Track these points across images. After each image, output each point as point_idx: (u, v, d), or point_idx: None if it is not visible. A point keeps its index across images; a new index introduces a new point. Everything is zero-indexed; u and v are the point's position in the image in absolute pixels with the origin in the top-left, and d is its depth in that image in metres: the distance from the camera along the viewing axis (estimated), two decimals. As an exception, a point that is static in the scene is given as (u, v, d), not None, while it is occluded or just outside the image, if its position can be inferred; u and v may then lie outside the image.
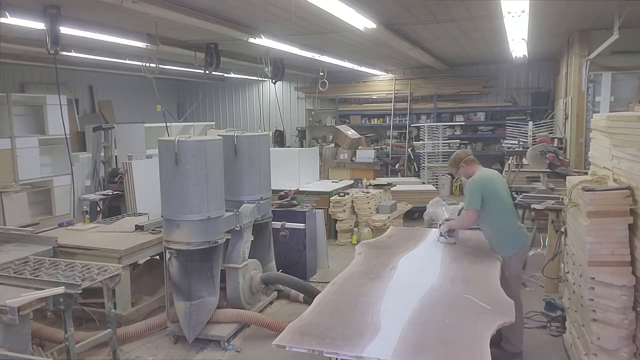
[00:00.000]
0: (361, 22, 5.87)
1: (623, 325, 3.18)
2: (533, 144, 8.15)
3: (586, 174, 4.50)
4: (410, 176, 12.04)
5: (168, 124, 7.81)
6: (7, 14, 5.20)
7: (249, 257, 4.99)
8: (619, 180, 3.46)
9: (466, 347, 2.51)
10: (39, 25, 5.62)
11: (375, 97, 13.39)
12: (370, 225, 7.73)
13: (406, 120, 12.98)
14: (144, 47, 7.26)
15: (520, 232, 4.14)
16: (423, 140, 11.97)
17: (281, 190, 6.58)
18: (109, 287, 3.84)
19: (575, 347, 3.78)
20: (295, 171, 8.18)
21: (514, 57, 8.99)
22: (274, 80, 10.50)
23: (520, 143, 9.17)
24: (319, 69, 10.69)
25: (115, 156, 8.12)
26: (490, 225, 4.09)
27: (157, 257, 5.39)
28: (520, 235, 4.13)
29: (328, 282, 3.59)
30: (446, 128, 12.34)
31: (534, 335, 4.46)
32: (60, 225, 5.57)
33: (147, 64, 7.00)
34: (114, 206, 6.83)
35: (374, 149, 11.93)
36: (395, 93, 13.00)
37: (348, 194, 7.99)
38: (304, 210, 6.16)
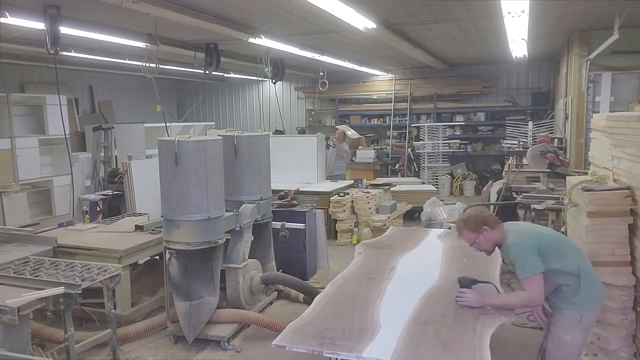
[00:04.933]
0: (361, 22, 5.87)
1: (623, 325, 3.19)
2: (533, 144, 8.14)
3: (586, 174, 4.50)
4: (410, 176, 12.04)
5: (168, 124, 7.81)
6: (7, 14, 5.20)
7: (249, 257, 4.99)
8: (619, 180, 3.47)
9: (466, 347, 2.51)
10: (39, 25, 5.62)
11: (375, 97, 13.39)
12: (370, 225, 7.73)
13: (406, 120, 12.98)
14: (144, 47, 7.25)
15: (600, 283, 3.05)
16: (423, 140, 11.97)
17: (281, 191, 6.58)
18: (109, 287, 3.84)
19: (575, 347, 3.77)
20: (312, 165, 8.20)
21: (514, 57, 9.00)
22: (274, 80, 10.50)
23: (520, 143, 9.15)
24: (319, 69, 10.68)
25: (115, 156, 8.12)
26: (572, 277, 2.95)
27: (157, 257, 5.39)
28: (601, 287, 3.04)
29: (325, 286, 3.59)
30: (446, 128, 12.34)
31: (534, 335, 4.45)
32: (60, 225, 5.57)
33: (147, 64, 6.99)
34: (114, 206, 6.83)
35: (374, 149, 11.93)
36: (395, 93, 13.00)
37: (348, 194, 8.00)
38: (304, 210, 6.16)
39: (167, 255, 4.43)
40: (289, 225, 5.95)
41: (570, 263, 2.94)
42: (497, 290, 3.12)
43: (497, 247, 3.13)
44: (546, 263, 2.88)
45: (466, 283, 3.05)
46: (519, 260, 2.92)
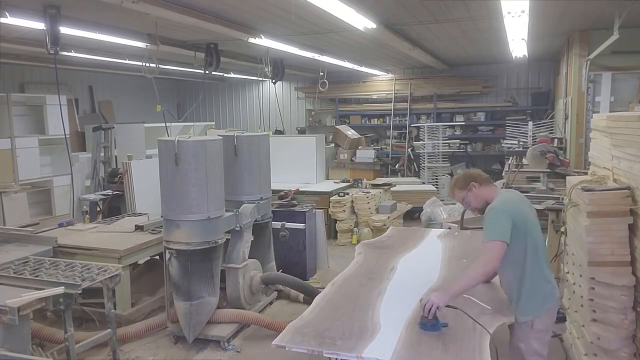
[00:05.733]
0: (361, 22, 5.87)
1: (623, 325, 3.18)
2: (533, 144, 8.15)
3: (586, 174, 4.49)
4: (410, 176, 12.04)
5: (168, 124, 7.82)
6: (7, 14, 5.19)
7: (249, 257, 4.99)
8: (619, 180, 3.46)
9: (466, 347, 2.51)
10: (39, 25, 5.62)
11: (375, 97, 13.39)
12: (370, 225, 7.73)
13: (406, 120, 12.98)
14: (144, 47, 7.25)
15: (551, 284, 2.97)
16: (423, 140, 11.97)
17: (281, 191, 6.58)
18: (109, 287, 3.84)
19: (575, 347, 3.78)
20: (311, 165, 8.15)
21: (514, 57, 8.99)
22: (274, 80, 10.50)
23: (520, 143, 9.15)
24: (319, 69, 10.68)
25: (115, 156, 8.12)
26: (515, 271, 2.91)
27: (157, 257, 5.40)
28: (552, 288, 2.96)
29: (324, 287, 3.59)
30: (446, 128, 12.33)
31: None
32: (60, 225, 5.58)
33: (147, 64, 7.00)
34: (114, 206, 6.83)
35: (374, 149, 11.93)
36: (395, 93, 12.99)
37: (348, 194, 8.00)
38: (304, 210, 6.16)
39: (167, 255, 4.43)
40: (289, 225, 5.96)
41: (523, 256, 2.84)
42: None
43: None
44: (516, 245, 2.79)
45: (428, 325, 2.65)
46: (489, 223, 2.84)
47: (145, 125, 10.24)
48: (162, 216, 4.50)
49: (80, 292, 3.54)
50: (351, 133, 11.24)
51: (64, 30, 5.86)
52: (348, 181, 8.96)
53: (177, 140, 4.20)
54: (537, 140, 8.59)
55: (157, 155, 4.79)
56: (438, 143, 11.92)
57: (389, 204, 8.09)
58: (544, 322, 2.89)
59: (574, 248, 3.86)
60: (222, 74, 12.45)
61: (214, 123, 13.64)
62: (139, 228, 5.33)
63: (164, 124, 7.74)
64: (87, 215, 6.58)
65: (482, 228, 3.05)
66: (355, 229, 7.84)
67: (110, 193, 6.78)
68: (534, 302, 2.86)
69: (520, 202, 3.04)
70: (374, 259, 3.99)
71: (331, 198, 7.78)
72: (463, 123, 12.52)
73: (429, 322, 2.63)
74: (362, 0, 5.32)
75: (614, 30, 6.15)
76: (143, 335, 4.59)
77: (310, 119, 14.15)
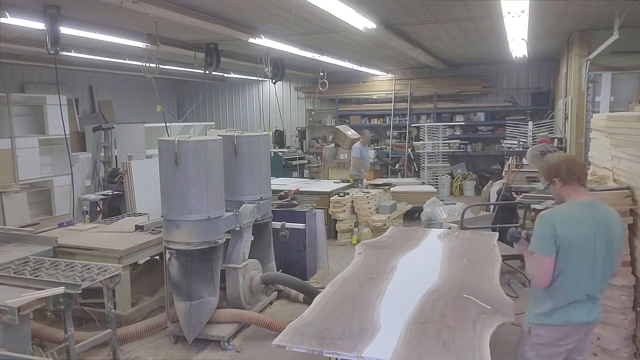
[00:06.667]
0: (361, 22, 5.87)
1: (623, 325, 3.19)
2: (533, 144, 8.15)
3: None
4: (410, 176, 12.05)
5: (168, 124, 7.81)
6: (7, 14, 5.20)
7: (249, 257, 4.99)
8: (619, 180, 3.47)
9: (466, 347, 2.51)
10: (39, 25, 5.62)
11: (375, 97, 13.39)
12: (370, 225, 7.74)
13: (406, 120, 12.98)
14: (144, 47, 7.26)
15: (560, 307, 2.66)
16: (423, 140, 11.97)
17: (281, 191, 6.58)
18: (109, 287, 3.84)
19: (575, 347, 3.78)
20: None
21: (514, 57, 8.99)
22: (274, 80, 10.50)
23: (520, 143, 9.16)
24: (319, 69, 10.69)
25: (115, 156, 8.12)
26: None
27: (157, 257, 5.39)
28: (561, 311, 2.66)
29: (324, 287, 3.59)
30: (446, 128, 12.34)
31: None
32: (60, 225, 5.58)
33: (147, 64, 7.00)
34: (114, 206, 6.83)
35: (374, 149, 11.93)
36: (395, 93, 13.00)
37: (348, 194, 8.00)
38: (304, 210, 6.16)
39: (167, 255, 4.43)
40: (289, 225, 5.95)
41: (571, 274, 2.62)
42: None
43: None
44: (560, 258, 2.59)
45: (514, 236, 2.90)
46: (534, 231, 2.69)
47: (145, 125, 10.24)
48: (162, 216, 4.50)
49: (80, 292, 3.54)
50: (351, 133, 11.24)
51: (64, 30, 5.87)
52: (348, 181, 8.97)
53: (177, 140, 4.20)
54: (537, 140, 8.59)
55: (157, 155, 4.79)
56: (438, 143, 11.93)
57: (389, 204, 8.09)
58: (543, 337, 2.69)
59: (574, 248, 3.85)
60: (222, 74, 12.45)
61: (214, 123, 13.65)
62: (139, 228, 5.32)
63: (164, 124, 7.74)
64: (87, 215, 6.58)
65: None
66: (355, 229, 7.84)
67: (110, 193, 6.78)
68: (531, 310, 2.78)
69: (581, 220, 2.64)
70: (374, 259, 3.99)
71: (331, 198, 7.78)
72: (463, 123, 12.53)
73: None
74: (362, 0, 5.32)
75: (614, 30, 6.15)
76: (143, 335, 4.59)
77: (310, 119, 14.16)
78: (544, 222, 2.65)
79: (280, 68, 10.50)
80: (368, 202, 7.90)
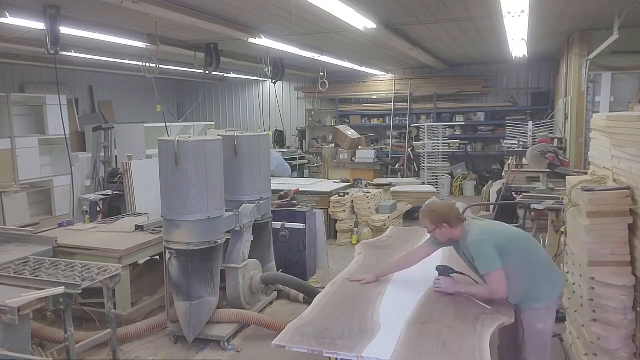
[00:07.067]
0: (361, 22, 5.87)
1: (623, 325, 3.18)
2: (533, 144, 8.14)
3: (586, 174, 4.49)
4: (410, 176, 12.04)
5: (168, 124, 7.81)
6: (7, 14, 5.20)
7: (249, 257, 4.99)
8: (619, 180, 3.46)
9: (466, 347, 2.51)
10: (39, 25, 5.62)
11: (375, 97, 13.39)
12: (370, 225, 7.73)
13: (406, 120, 12.98)
14: (144, 47, 7.26)
15: (552, 266, 3.41)
16: (423, 140, 11.97)
17: (281, 191, 6.58)
18: (109, 287, 3.84)
19: (575, 347, 3.78)
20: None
21: (514, 57, 8.99)
22: (274, 80, 10.50)
23: (520, 143, 9.15)
24: (319, 69, 10.69)
25: (115, 156, 8.12)
26: (522, 276, 3.11)
27: (157, 257, 5.39)
28: (558, 271, 3.43)
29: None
30: (446, 128, 12.34)
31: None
32: (60, 225, 5.57)
33: (147, 64, 7.00)
34: (114, 206, 6.83)
35: (374, 149, 11.93)
36: (395, 93, 13.00)
37: (348, 194, 7.99)
38: (304, 210, 6.16)
39: (167, 255, 4.43)
40: (289, 225, 5.95)
41: (530, 256, 3.17)
42: (473, 280, 3.28)
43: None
44: (509, 258, 3.03)
45: (444, 272, 3.29)
46: (479, 257, 3.08)
47: (145, 125, 10.24)
48: (162, 216, 4.50)
49: (80, 292, 3.54)
50: (351, 133, 11.24)
51: (64, 30, 5.87)
52: (348, 181, 8.97)
53: (177, 140, 4.20)
54: (537, 140, 8.58)
55: (157, 155, 4.79)
56: (438, 143, 11.92)
57: (389, 204, 8.09)
58: (555, 305, 3.26)
59: (574, 248, 3.86)
60: (222, 74, 12.45)
61: (214, 123, 13.65)
62: (139, 228, 5.32)
63: (164, 124, 7.74)
64: (87, 215, 6.58)
65: None
66: (355, 229, 7.84)
67: (110, 193, 6.77)
68: (550, 287, 3.19)
69: (488, 225, 3.30)
70: (374, 259, 3.99)
71: (331, 198, 7.78)
72: (463, 123, 12.53)
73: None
74: (362, 0, 5.32)
75: (614, 30, 6.15)
76: (143, 335, 4.59)
77: (310, 119, 14.16)
78: (483, 242, 3.08)
79: (280, 68, 10.50)
80: (368, 202, 7.90)
